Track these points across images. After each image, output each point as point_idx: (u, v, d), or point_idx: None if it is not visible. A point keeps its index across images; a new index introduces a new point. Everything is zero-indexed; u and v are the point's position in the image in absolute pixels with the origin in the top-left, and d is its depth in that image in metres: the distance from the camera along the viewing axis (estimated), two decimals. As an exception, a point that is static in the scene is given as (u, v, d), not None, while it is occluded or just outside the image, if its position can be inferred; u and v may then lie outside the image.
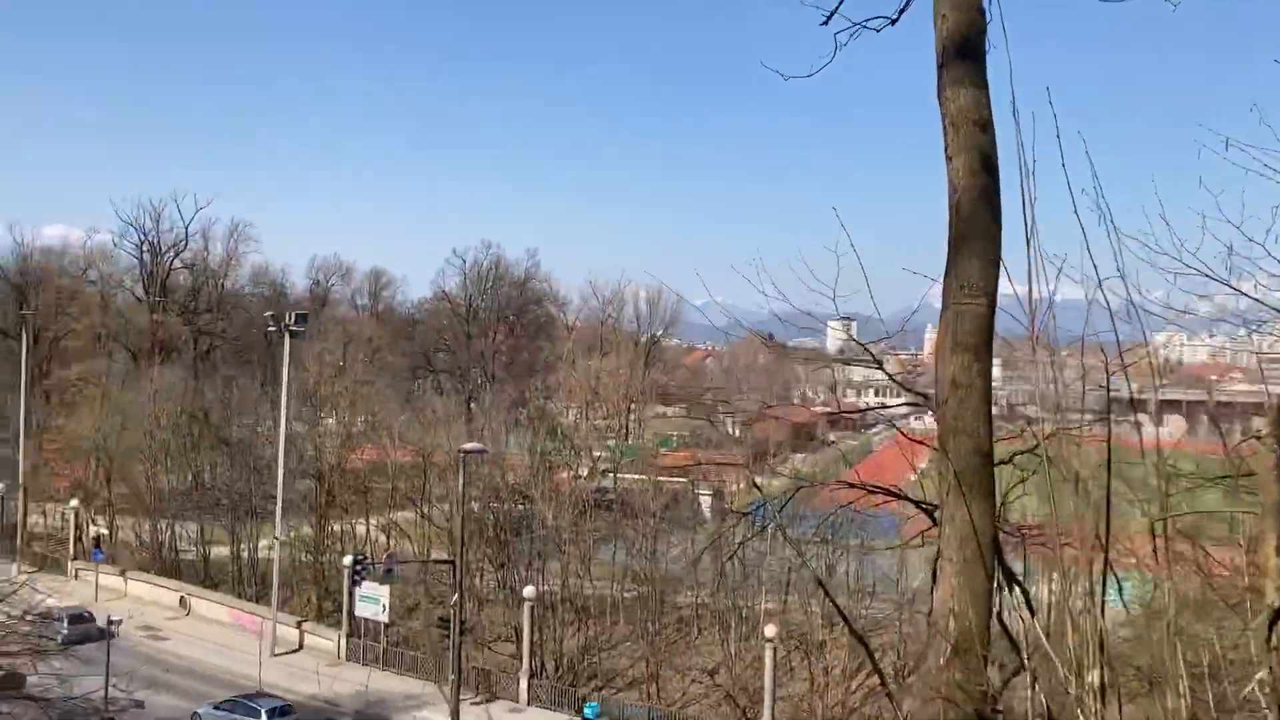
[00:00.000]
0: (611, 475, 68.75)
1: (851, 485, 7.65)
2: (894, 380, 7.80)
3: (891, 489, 7.76)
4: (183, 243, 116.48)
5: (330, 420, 69.02)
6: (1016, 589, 5.98)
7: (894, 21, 8.41)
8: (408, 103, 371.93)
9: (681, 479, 63.29)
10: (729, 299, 9.51)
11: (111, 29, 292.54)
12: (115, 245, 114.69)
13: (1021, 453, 7.10)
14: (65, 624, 46.44)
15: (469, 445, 44.74)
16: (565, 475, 62.53)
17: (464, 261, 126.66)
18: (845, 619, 22.11)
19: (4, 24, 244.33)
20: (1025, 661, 5.13)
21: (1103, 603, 5.41)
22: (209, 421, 72.51)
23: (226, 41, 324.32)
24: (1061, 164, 4.87)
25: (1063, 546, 5.10)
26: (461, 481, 42.02)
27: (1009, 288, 6.18)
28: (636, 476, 64.42)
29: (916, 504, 6.97)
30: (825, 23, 8.52)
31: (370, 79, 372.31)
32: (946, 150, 6.53)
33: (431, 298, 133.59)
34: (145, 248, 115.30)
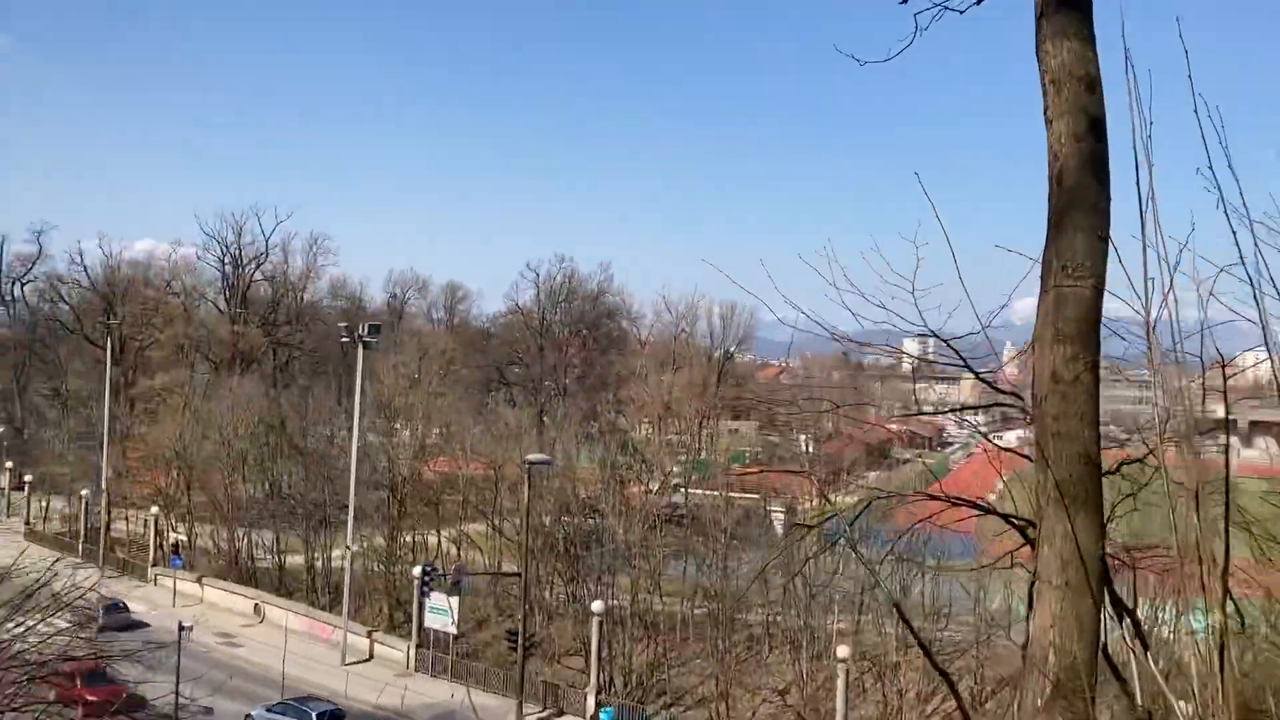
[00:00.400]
0: (682, 490, 68.09)
1: (933, 497, 6.91)
2: (979, 377, 7.06)
3: (978, 502, 7.01)
4: (263, 255, 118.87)
5: (404, 432, 69.57)
6: (1127, 619, 5.23)
7: (979, 1, 7.71)
8: (486, 117, 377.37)
9: (753, 495, 62.37)
10: (803, 309, 8.82)
11: (211, 52, 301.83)
12: (199, 258, 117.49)
13: (1131, 462, 6.30)
14: (101, 614, 47.35)
15: (534, 456, 44.54)
16: (636, 490, 62.04)
17: (537, 275, 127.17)
18: (923, 647, 21.13)
19: (117, 44, 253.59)
20: (1143, 709, 4.40)
21: (1225, 636, 4.71)
22: (286, 431, 73.40)
23: (309, 60, 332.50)
24: (1194, 110, 4.17)
25: (1184, 571, 4.39)
26: (527, 493, 41.80)
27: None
28: (708, 492, 63.72)
29: (1007, 519, 6.22)
30: (904, 1, 7.88)
31: (448, 96, 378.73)
32: (1046, 113, 5.78)
33: (505, 311, 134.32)
34: (227, 260, 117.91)
